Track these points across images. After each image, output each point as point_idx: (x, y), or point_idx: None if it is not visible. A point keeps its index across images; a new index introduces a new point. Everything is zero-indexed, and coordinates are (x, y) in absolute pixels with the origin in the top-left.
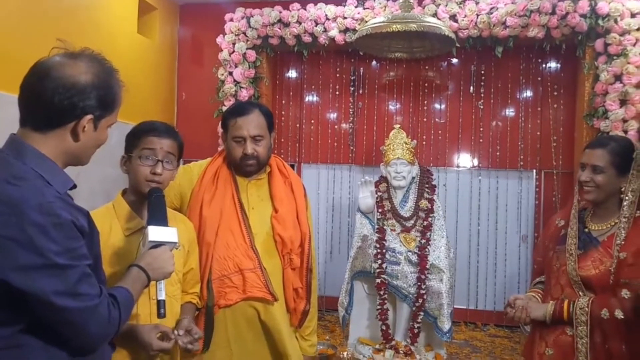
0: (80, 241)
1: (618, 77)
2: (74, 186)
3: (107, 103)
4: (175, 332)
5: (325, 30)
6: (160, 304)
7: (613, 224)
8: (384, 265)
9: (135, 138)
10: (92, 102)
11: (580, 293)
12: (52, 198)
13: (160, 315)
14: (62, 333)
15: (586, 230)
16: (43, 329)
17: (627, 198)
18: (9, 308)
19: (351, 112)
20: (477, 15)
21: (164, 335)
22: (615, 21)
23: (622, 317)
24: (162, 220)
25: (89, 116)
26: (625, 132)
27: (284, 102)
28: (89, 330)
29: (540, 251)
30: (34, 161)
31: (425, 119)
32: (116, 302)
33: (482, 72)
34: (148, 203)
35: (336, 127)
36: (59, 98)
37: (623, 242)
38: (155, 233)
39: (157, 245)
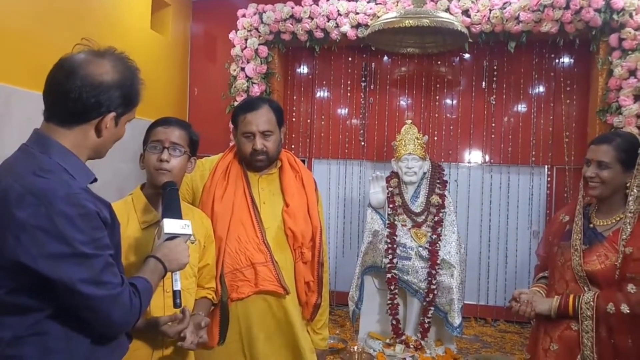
0: (104, 231)
1: (632, 73)
2: (95, 179)
3: (129, 101)
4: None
5: (337, 26)
6: (176, 294)
7: (618, 219)
8: (394, 261)
9: (147, 133)
10: (116, 100)
11: (585, 288)
12: (78, 190)
13: (176, 305)
14: (86, 320)
15: (591, 225)
16: (67, 316)
17: (632, 193)
18: (36, 295)
19: (362, 108)
20: (490, 10)
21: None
22: (630, 16)
23: (628, 311)
24: (177, 213)
25: (113, 113)
26: (639, 127)
27: (295, 97)
28: (112, 318)
29: (544, 246)
30: (58, 155)
31: (436, 115)
32: (137, 291)
33: (495, 67)
34: (162, 196)
35: (347, 122)
36: (86, 96)
37: (629, 237)
38: (170, 225)
39: (172, 237)
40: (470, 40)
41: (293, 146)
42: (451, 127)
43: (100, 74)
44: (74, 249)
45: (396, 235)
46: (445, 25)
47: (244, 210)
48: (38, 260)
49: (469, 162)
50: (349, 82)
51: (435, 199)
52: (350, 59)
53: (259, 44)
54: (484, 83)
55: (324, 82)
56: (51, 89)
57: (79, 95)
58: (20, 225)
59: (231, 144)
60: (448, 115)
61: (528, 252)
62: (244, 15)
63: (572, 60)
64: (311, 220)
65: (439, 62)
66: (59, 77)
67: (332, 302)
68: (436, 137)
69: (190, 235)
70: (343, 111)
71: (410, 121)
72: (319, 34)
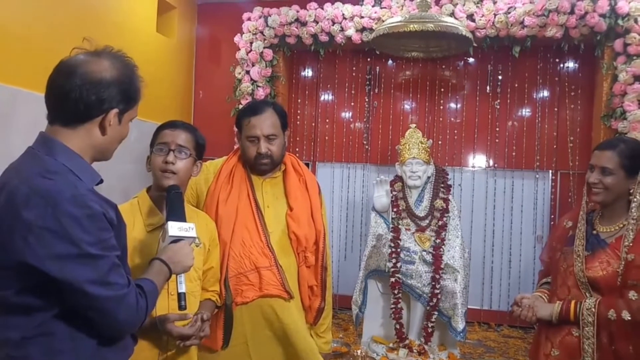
0: (110, 232)
1: (637, 78)
2: (101, 181)
3: (130, 97)
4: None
5: (342, 30)
6: (181, 297)
7: (621, 225)
8: (398, 265)
9: (154, 136)
10: (117, 96)
11: (587, 294)
12: (85, 191)
13: (181, 307)
14: (93, 320)
15: (594, 232)
16: (73, 317)
17: (635, 200)
18: (42, 295)
19: (366, 111)
20: (495, 14)
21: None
22: (636, 21)
23: (629, 318)
24: (181, 216)
25: (115, 110)
26: None
27: (299, 100)
28: (119, 318)
29: (548, 252)
30: (64, 157)
31: (441, 119)
32: (143, 292)
33: (499, 71)
34: (166, 199)
35: (351, 126)
36: (87, 94)
37: (631, 244)
38: (174, 228)
39: (177, 240)
40: (474, 44)
41: (297, 149)
42: (455, 132)
43: (99, 71)
44: (80, 250)
45: (400, 239)
46: (450, 29)
47: (248, 214)
48: (45, 261)
49: (473, 167)
50: (353, 86)
51: (439, 203)
52: (354, 62)
53: (264, 47)
54: (488, 87)
55: (329, 86)
56: (52, 91)
57: (79, 94)
58: (27, 226)
59: (235, 147)
60: (452, 119)
61: (532, 257)
62: (249, 19)
63: (576, 65)
64: (315, 224)
65: (444, 67)
66: (58, 79)
67: (335, 306)
68: (440, 141)
69: (194, 238)
70: (347, 115)
71: (414, 125)
72: (323, 38)
